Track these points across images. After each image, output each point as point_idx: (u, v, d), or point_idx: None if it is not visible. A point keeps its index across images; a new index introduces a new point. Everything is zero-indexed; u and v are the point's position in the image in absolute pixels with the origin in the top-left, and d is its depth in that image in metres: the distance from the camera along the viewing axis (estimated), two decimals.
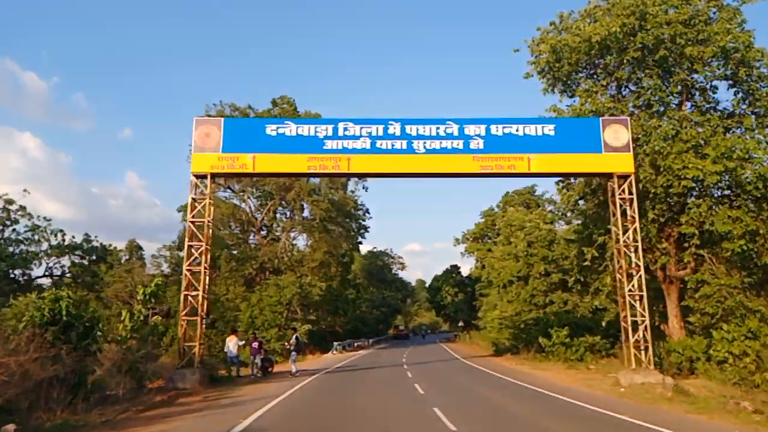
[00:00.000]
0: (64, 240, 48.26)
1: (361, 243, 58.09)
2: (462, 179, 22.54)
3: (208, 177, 20.75)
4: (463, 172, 20.49)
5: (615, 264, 21.23)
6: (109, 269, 50.91)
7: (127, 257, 59.86)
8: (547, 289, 36.96)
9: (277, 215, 52.79)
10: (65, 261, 49.45)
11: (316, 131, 20.65)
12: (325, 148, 20.52)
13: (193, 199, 21.16)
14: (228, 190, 51.16)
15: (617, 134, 20.52)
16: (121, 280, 68.40)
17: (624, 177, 20.53)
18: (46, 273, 48.87)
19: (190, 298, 21.10)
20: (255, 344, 25.78)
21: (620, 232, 20.21)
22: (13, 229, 47.68)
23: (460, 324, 75.59)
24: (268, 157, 20.53)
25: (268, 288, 44.82)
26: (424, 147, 20.53)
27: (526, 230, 37.09)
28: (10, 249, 45.90)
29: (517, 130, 20.69)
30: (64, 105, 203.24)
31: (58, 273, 49.56)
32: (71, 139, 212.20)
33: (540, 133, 20.62)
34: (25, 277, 47.34)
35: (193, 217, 21.35)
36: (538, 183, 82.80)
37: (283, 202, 49.72)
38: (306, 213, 52.04)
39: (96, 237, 49.82)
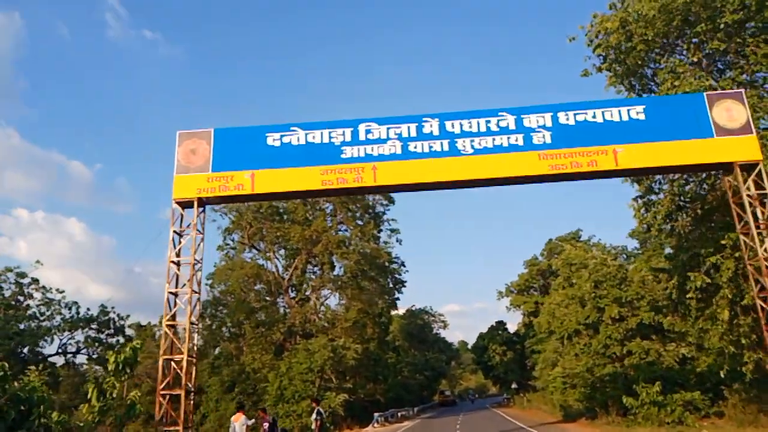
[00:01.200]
0: (78, 313, 43.94)
1: (398, 299, 52.40)
2: (525, 186, 17.01)
3: (195, 203, 15.74)
4: (526, 174, 15.11)
5: (750, 287, 15.14)
6: (129, 341, 46.02)
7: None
8: (623, 337, 30.39)
9: (306, 273, 47.64)
10: (79, 336, 45.00)
11: (330, 137, 15.69)
12: (343, 156, 15.50)
13: (175, 233, 16.00)
14: (253, 249, 46.59)
15: (731, 112, 15.02)
16: (150, 356, 63.81)
17: (749, 167, 14.86)
18: (60, 350, 44.32)
19: (173, 364, 15.69)
20: (266, 424, 19.92)
21: (756, 243, 14.27)
22: (27, 305, 43.78)
23: (514, 386, 67.66)
24: (270, 173, 15.57)
25: (297, 354, 39.16)
26: (472, 146, 15.31)
27: (591, 268, 30.96)
28: (21, 326, 41.63)
29: (594, 117, 15.37)
30: (107, 190, 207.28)
31: (73, 349, 44.99)
32: (114, 222, 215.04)
33: (626, 117, 15.24)
34: (37, 355, 42.72)
35: (176, 255, 16.16)
36: (583, 226, 76.32)
37: (311, 259, 44.66)
38: (337, 269, 46.99)
39: (113, 308, 45.30)
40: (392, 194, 51.87)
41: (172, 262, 15.54)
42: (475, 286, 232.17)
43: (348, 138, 15.51)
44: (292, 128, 15.86)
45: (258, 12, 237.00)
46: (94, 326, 44.51)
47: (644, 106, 15.40)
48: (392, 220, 52.27)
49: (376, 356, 53.01)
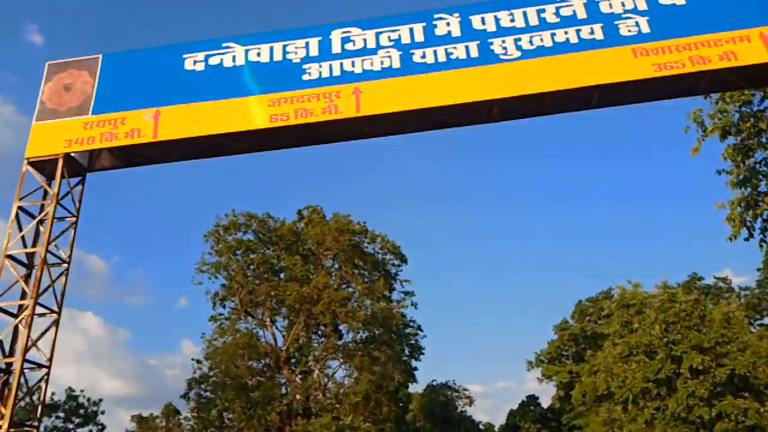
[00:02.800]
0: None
1: (416, 369, 44.47)
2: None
3: (60, 162, 9.24)
4: (618, 80, 8.68)
5: None
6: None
7: (163, 423, 47.77)
8: (710, 395, 22.57)
9: (310, 342, 40.20)
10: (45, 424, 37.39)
11: (286, 53, 9.47)
12: (306, 79, 9.28)
13: (21, 209, 9.28)
14: (248, 318, 39.48)
15: None
16: None
17: None
18: None
19: None
20: None
21: None
22: None
23: None
24: (184, 110, 9.39)
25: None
26: (519, 47, 9.01)
27: (658, 307, 23.67)
28: None
29: None
30: (123, 282, 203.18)
31: None
32: (129, 314, 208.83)
33: None
34: None
35: (22, 242, 9.32)
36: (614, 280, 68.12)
37: (313, 323, 37.41)
38: (345, 336, 39.64)
39: (83, 391, 37.86)
40: (403, 253, 45.55)
41: (9, 256, 8.82)
42: (497, 364, 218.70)
43: (314, 52, 9.32)
44: (225, 45, 9.71)
45: None
46: (60, 414, 37.02)
47: None
48: (406, 281, 45.28)
49: None
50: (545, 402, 71.16)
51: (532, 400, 70.40)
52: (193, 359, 37.40)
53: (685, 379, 22.68)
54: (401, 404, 49.33)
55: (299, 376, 38.17)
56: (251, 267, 36.77)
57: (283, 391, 36.87)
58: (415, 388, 68.59)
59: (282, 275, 38.41)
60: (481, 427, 73.28)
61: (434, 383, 68.53)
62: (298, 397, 36.65)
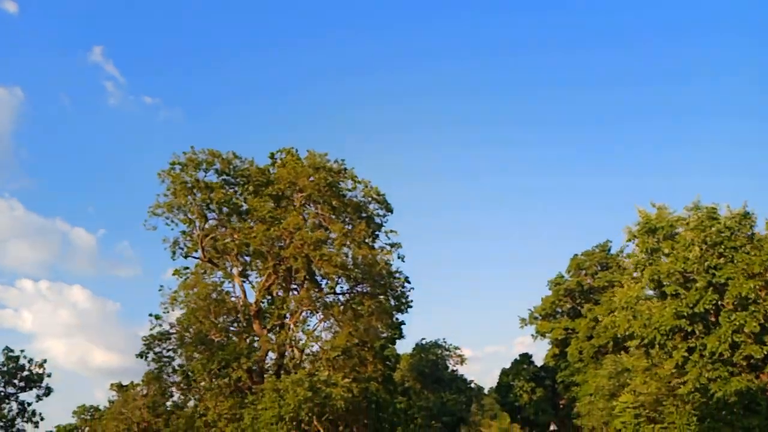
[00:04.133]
0: None
1: (403, 324, 39.89)
2: None
3: None
4: None
5: None
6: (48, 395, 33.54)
7: (144, 392, 42.92)
8: (761, 330, 17.94)
9: (285, 294, 35.27)
10: None
11: None
12: None
13: None
14: (216, 272, 34.33)
15: None
16: (114, 417, 50.96)
17: None
18: None
19: None
20: None
21: None
22: None
23: (553, 428, 53.75)
24: None
25: (263, 398, 26.63)
26: None
27: (695, 225, 18.87)
28: None
29: None
30: (110, 255, 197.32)
31: None
32: (119, 287, 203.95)
33: None
34: None
35: None
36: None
37: (284, 271, 32.42)
38: (325, 288, 34.80)
39: (23, 352, 32.92)
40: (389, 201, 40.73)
41: None
42: (486, 329, 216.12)
43: None
44: None
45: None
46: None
47: None
48: (392, 231, 40.41)
49: (380, 399, 39.99)
50: (538, 361, 67.59)
51: (526, 358, 66.51)
52: (150, 314, 32.55)
53: (730, 312, 18.02)
54: (388, 363, 44.96)
55: (272, 332, 33.48)
56: (211, 208, 31.65)
57: (252, 347, 32.13)
58: (404, 349, 64.49)
59: (249, 219, 33.35)
60: (472, 386, 69.63)
61: (424, 342, 64.40)
62: (271, 354, 32.04)
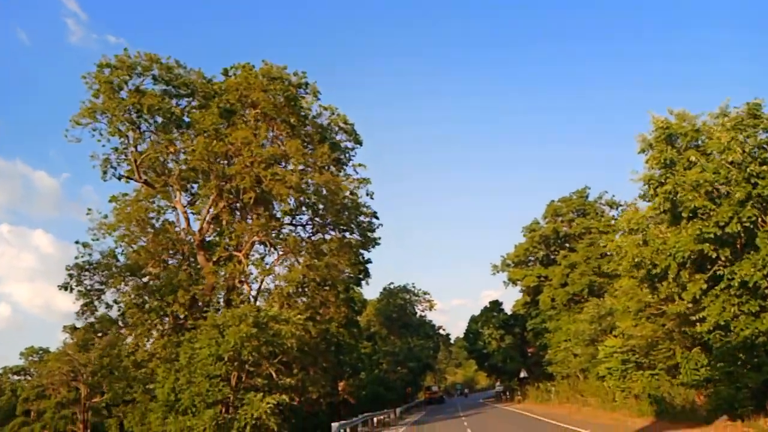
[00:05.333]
0: None
1: (369, 262, 35.96)
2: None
3: None
4: None
5: None
6: None
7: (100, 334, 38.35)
8: None
9: (235, 222, 30.64)
10: None
11: None
12: None
13: None
14: (156, 195, 29.37)
15: None
16: (58, 358, 47.06)
17: None
18: None
19: None
20: None
21: None
22: None
23: (522, 374, 51.26)
24: None
25: (200, 336, 22.42)
26: None
27: (734, 126, 14.74)
28: None
29: None
30: (75, 198, 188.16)
31: None
32: (82, 231, 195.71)
33: None
34: None
35: None
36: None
37: (227, 189, 27.60)
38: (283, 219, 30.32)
39: None
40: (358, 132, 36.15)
41: None
42: (453, 281, 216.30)
43: None
44: None
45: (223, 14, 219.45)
46: None
47: None
48: (360, 165, 35.89)
49: (342, 342, 36.35)
50: (509, 310, 65.09)
51: (495, 305, 63.99)
52: (77, 242, 27.68)
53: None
54: (353, 305, 41.23)
55: (222, 263, 29.04)
56: (145, 118, 26.48)
57: (194, 279, 27.70)
58: (371, 296, 61.05)
59: (191, 134, 28.31)
60: (441, 332, 67.30)
61: (391, 286, 60.96)
62: (210, 286, 27.67)
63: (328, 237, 32.70)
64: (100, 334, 31.48)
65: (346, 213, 32.88)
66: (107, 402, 41.21)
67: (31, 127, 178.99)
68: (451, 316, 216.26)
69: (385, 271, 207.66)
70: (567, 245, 55.97)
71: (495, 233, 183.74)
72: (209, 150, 24.71)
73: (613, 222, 56.73)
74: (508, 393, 56.54)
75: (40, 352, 63.34)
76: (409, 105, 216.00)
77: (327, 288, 32.37)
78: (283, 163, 27.36)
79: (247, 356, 21.45)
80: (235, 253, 29.17)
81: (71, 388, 49.06)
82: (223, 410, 21.59)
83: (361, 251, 35.61)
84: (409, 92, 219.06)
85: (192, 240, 29.33)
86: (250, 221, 29.50)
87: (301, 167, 26.32)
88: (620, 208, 59.34)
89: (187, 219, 29.84)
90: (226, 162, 26.02)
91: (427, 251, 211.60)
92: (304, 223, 32.10)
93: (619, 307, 25.16)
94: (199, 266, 29.11)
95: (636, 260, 16.42)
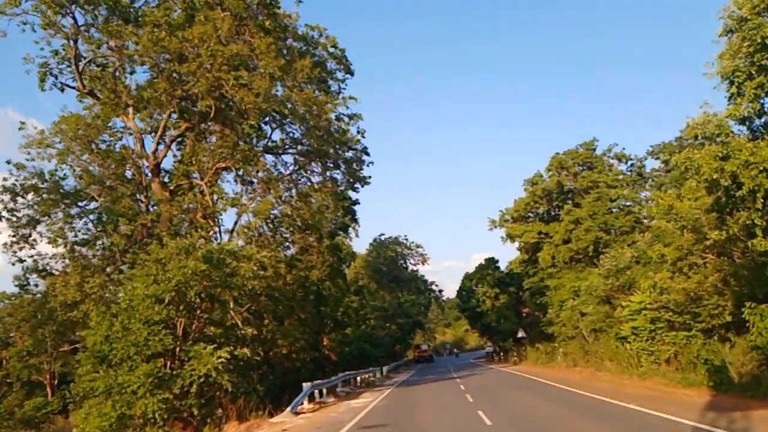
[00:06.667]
0: None
1: (357, 204, 31.04)
2: None
3: None
4: None
5: None
6: None
7: None
8: None
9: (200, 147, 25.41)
10: None
11: None
12: None
13: None
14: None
15: None
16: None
17: None
18: None
19: None
20: None
21: None
22: None
23: (520, 335, 47.22)
24: None
25: (138, 272, 17.67)
26: None
27: None
28: None
29: None
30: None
31: None
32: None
33: None
34: None
35: None
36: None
37: (181, 94, 22.23)
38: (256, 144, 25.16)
39: None
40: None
41: None
42: (445, 243, 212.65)
43: None
44: None
45: None
46: None
47: None
48: (351, 98, 30.44)
49: (325, 293, 31.77)
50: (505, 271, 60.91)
51: (491, 262, 59.75)
52: (8, 162, 22.54)
53: None
54: (339, 254, 36.53)
55: (173, 193, 24.06)
56: (83, 5, 20.94)
57: (145, 209, 22.76)
58: (361, 250, 56.29)
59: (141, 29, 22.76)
60: (433, 288, 62.99)
61: (382, 237, 55.98)
62: (164, 216, 22.72)
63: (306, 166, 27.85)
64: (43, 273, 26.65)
65: (332, 144, 27.81)
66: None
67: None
68: (441, 277, 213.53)
69: (375, 227, 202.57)
70: (571, 201, 51.40)
71: (492, 193, 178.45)
72: (158, 44, 19.34)
73: (621, 177, 52.29)
74: (501, 354, 52.82)
75: (12, 296, 58.96)
76: (412, 52, 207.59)
77: (308, 231, 27.69)
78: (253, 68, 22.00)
79: (193, 298, 16.73)
80: (197, 181, 24.25)
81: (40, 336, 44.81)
82: (169, 364, 17.00)
83: (349, 193, 30.74)
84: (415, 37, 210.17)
85: (147, 165, 24.27)
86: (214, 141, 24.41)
87: (272, 73, 20.94)
88: (629, 162, 54.91)
89: (141, 141, 24.64)
90: (179, 58, 20.62)
91: (420, 208, 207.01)
92: (280, 152, 27.07)
93: (652, 255, 20.49)
94: (157, 195, 24.07)
95: (713, 176, 11.53)
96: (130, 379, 15.88)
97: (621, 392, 15.65)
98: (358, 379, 30.05)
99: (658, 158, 56.05)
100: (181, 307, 17.04)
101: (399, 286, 54.93)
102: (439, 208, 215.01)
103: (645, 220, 45.52)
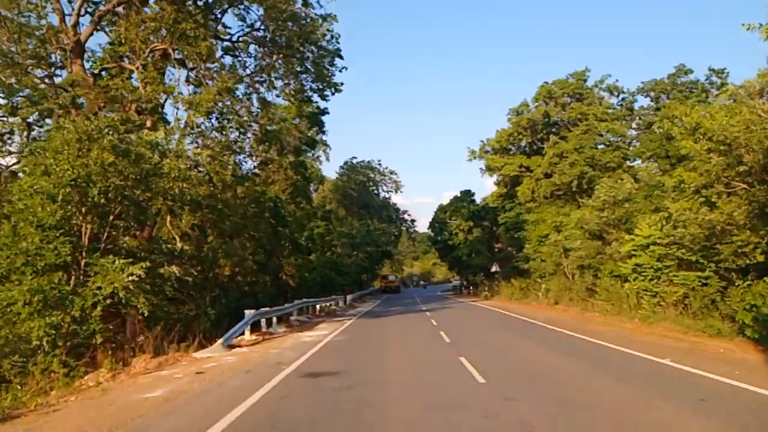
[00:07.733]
0: None
1: (326, 113, 26.71)
2: None
3: None
4: None
5: None
6: None
7: None
8: None
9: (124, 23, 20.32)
10: None
11: None
12: None
13: None
14: None
15: None
16: None
17: None
18: None
19: None
20: None
21: None
22: None
23: (494, 269, 44.61)
24: None
25: (28, 164, 13.32)
26: None
27: None
28: None
29: None
30: None
31: None
32: None
33: None
34: None
35: None
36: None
37: None
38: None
39: None
40: None
41: None
42: (416, 177, 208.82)
43: None
44: None
45: None
46: None
47: None
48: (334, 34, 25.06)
49: (284, 212, 27.81)
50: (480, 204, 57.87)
51: (467, 195, 56.50)
52: None
53: None
54: (304, 172, 32.44)
55: (96, 77, 19.32)
56: None
57: (54, 91, 18.05)
58: (331, 174, 51.99)
59: None
60: (405, 217, 59.61)
61: (354, 160, 51.55)
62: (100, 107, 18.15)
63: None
64: None
65: (298, 37, 22.99)
66: None
67: None
68: (413, 212, 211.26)
69: (347, 156, 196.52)
70: (557, 134, 47.73)
71: (473, 127, 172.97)
72: None
73: (611, 110, 48.66)
74: (471, 288, 50.59)
75: None
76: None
77: (267, 143, 23.45)
78: None
79: (98, 199, 12.62)
80: (127, 65, 19.47)
81: None
82: (73, 280, 13.08)
83: (317, 100, 26.17)
84: None
85: (66, 42, 19.25)
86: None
87: None
88: (621, 96, 51.18)
89: (61, 14, 19.48)
90: None
91: (393, 139, 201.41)
92: (237, 40, 22.19)
93: (670, 183, 17.06)
94: (76, 77, 19.24)
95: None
96: (14, 296, 11.98)
97: (633, 339, 12.51)
98: (318, 307, 26.81)
99: (648, 96, 52.65)
100: (83, 210, 12.98)
101: (369, 213, 51.30)
102: (414, 139, 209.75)
103: (629, 159, 42.72)
